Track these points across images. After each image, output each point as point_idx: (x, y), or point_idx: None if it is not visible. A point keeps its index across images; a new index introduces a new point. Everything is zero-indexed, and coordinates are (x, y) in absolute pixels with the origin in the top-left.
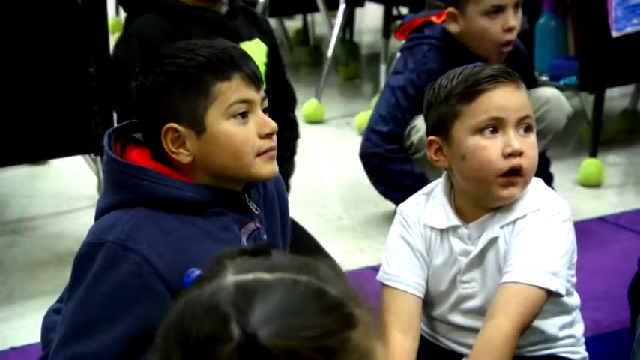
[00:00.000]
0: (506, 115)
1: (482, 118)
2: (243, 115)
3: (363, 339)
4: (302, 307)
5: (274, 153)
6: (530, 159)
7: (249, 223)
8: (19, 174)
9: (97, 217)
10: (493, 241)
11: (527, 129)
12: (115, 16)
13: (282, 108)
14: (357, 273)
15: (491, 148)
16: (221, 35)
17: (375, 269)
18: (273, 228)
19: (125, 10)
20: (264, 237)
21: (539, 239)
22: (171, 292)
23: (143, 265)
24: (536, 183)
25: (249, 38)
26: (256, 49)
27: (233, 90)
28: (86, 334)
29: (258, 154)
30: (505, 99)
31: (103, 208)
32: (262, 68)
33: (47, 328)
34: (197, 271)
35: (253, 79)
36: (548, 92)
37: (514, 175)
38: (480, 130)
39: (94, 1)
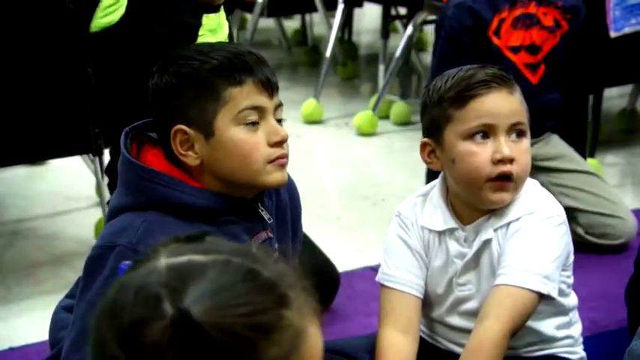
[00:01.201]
0: (496, 122)
1: (473, 124)
2: (254, 122)
3: (297, 318)
4: (235, 286)
5: (285, 161)
6: (521, 165)
7: (261, 232)
8: (18, 174)
9: (109, 216)
10: (487, 243)
11: (520, 134)
12: None
13: None
14: (356, 273)
15: (480, 154)
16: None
17: (374, 269)
18: (285, 236)
19: None
20: (276, 246)
21: (532, 242)
22: None
23: None
24: (531, 185)
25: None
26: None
27: (244, 96)
28: None
29: (269, 162)
30: (496, 105)
31: (115, 207)
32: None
33: (56, 326)
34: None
35: (267, 85)
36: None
37: (504, 180)
38: (470, 136)
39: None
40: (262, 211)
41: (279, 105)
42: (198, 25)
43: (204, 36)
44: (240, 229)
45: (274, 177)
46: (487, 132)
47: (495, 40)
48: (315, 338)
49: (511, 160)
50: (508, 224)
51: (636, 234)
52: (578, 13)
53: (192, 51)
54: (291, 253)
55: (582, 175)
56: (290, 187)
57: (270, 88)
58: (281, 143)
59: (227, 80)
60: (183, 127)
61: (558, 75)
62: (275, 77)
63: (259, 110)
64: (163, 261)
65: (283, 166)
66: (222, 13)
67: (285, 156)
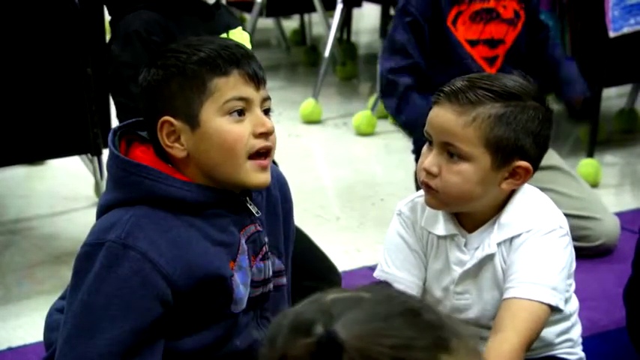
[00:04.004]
0: (431, 133)
1: (426, 127)
2: (240, 113)
3: None
4: (391, 318)
5: (267, 162)
6: (445, 183)
7: (249, 225)
8: (16, 174)
9: (99, 213)
10: (489, 257)
11: (454, 155)
12: None
13: None
14: (355, 273)
15: (423, 156)
16: (212, 23)
17: (373, 269)
18: (276, 231)
19: (111, 10)
20: (266, 240)
21: (539, 255)
22: (171, 288)
23: (144, 262)
24: (533, 196)
25: (235, 27)
26: (240, 37)
27: (230, 87)
28: (91, 334)
29: (250, 156)
30: (433, 117)
31: (103, 205)
32: None
33: (50, 328)
34: None
35: (253, 78)
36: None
37: (426, 187)
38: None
39: (91, 1)
40: (250, 204)
41: (267, 98)
42: None
43: None
44: (229, 221)
45: (256, 177)
46: (430, 138)
47: (453, 31)
48: None
49: (434, 175)
50: (511, 239)
51: (619, 235)
52: (530, 1)
53: (181, 45)
54: (284, 245)
55: (557, 174)
56: (280, 181)
57: (256, 80)
58: (266, 135)
59: (213, 71)
60: (170, 118)
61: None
62: (262, 72)
63: (245, 101)
64: (330, 296)
65: (265, 167)
66: (239, 33)
67: (269, 148)
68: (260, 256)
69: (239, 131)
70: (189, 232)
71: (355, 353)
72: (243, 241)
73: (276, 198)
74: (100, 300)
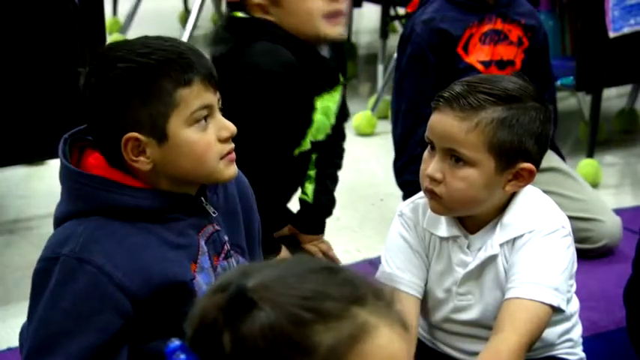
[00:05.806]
0: (433, 139)
1: (427, 133)
2: (204, 120)
3: (366, 315)
4: (305, 274)
5: (234, 156)
6: (450, 189)
7: (207, 226)
8: (16, 174)
9: (55, 226)
10: (492, 258)
11: (458, 160)
12: (112, 17)
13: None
14: (354, 267)
15: (425, 162)
16: (325, 75)
17: (372, 263)
18: (236, 229)
19: (236, 35)
20: (226, 238)
21: (541, 255)
22: (130, 299)
23: (100, 276)
24: (535, 196)
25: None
26: (336, 95)
27: (194, 96)
28: (50, 351)
29: (222, 158)
30: (434, 123)
31: (58, 217)
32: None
33: (22, 344)
34: (176, 342)
35: (211, 80)
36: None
37: (430, 193)
38: (428, 143)
39: (91, 1)
40: (206, 205)
41: (219, 98)
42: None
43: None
44: (186, 225)
45: (227, 172)
46: (432, 144)
47: (464, 56)
48: (387, 339)
49: (438, 181)
50: (514, 240)
51: (622, 236)
52: (538, 32)
53: (129, 52)
54: (245, 244)
55: (557, 176)
56: (237, 179)
57: (214, 82)
58: (229, 138)
59: (176, 82)
60: (135, 134)
61: None
62: (214, 68)
63: (209, 108)
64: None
65: (233, 161)
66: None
67: (233, 150)
68: (222, 255)
69: (207, 140)
70: (146, 239)
71: (266, 305)
72: (202, 242)
73: (234, 195)
74: (57, 316)
